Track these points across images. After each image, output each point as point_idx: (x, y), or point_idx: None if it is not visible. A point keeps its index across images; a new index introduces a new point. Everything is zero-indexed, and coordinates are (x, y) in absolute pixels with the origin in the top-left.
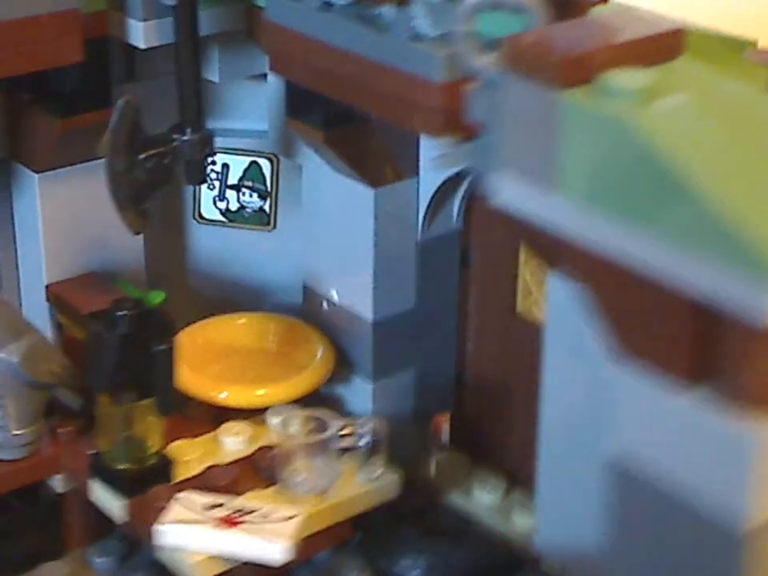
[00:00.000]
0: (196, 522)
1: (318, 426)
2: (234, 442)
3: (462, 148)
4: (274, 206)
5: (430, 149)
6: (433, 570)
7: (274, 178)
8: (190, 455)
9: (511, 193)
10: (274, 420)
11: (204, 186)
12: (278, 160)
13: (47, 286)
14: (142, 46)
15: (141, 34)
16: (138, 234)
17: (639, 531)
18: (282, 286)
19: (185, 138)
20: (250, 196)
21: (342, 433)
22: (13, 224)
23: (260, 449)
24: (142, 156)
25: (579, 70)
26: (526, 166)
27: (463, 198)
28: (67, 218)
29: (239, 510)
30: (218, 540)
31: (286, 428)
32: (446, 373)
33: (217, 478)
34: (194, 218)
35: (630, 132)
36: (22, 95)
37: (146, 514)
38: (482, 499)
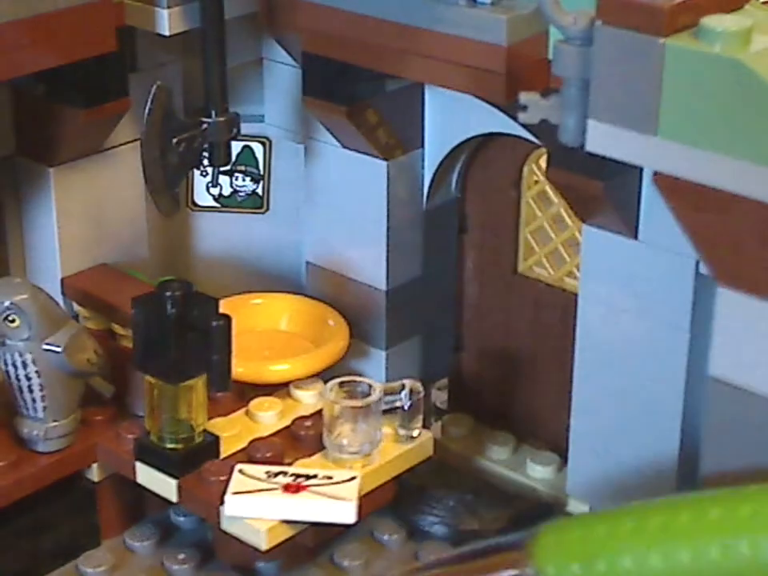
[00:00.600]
0: (262, 490)
1: (360, 391)
2: (268, 416)
3: (545, 101)
4: (267, 188)
5: (434, 122)
6: (460, 524)
7: (267, 161)
8: (229, 432)
9: (606, 139)
10: (300, 392)
11: (197, 173)
12: (270, 143)
13: (62, 279)
14: (167, 33)
15: (166, 21)
16: (169, 216)
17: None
18: (277, 266)
19: (212, 120)
20: (243, 180)
21: (384, 397)
22: (19, 221)
23: (296, 419)
24: (174, 140)
25: (681, 17)
26: (623, 113)
27: (461, 168)
28: (80, 210)
29: (300, 476)
30: (288, 506)
31: (332, 395)
32: (448, 338)
33: (262, 450)
34: (187, 206)
35: (736, 69)
36: (34, 89)
37: (203, 491)
38: (495, 455)
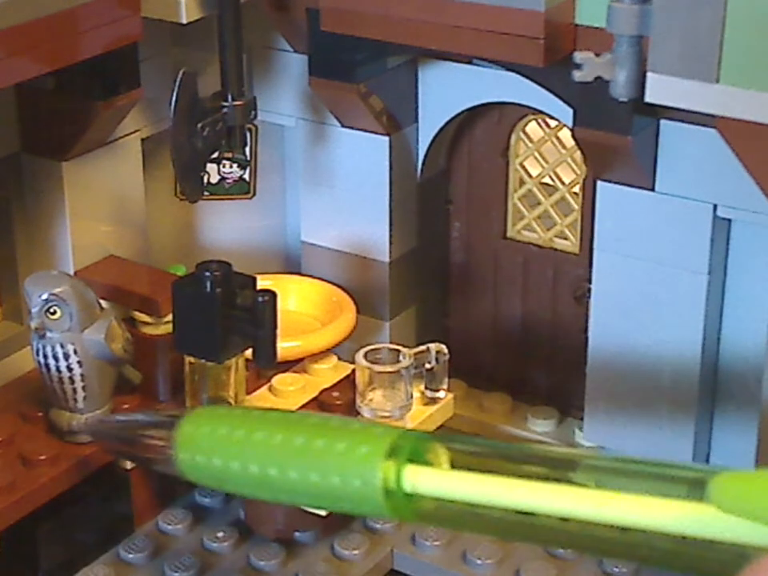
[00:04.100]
0: None
1: (389, 358)
2: (293, 390)
3: (599, 59)
4: (254, 174)
5: (427, 97)
6: None
7: (253, 147)
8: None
9: (667, 90)
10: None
11: None
12: (257, 129)
13: (75, 273)
14: (184, 21)
15: (183, 9)
16: (194, 202)
17: None
18: (267, 249)
19: (229, 105)
20: (230, 167)
21: (413, 361)
22: (26, 217)
23: (323, 391)
24: (199, 125)
25: None
26: (683, 64)
27: (449, 140)
28: (89, 203)
29: None
30: None
31: (364, 362)
32: (440, 306)
33: None
34: (175, 196)
35: None
36: (43, 85)
37: None
38: (494, 414)
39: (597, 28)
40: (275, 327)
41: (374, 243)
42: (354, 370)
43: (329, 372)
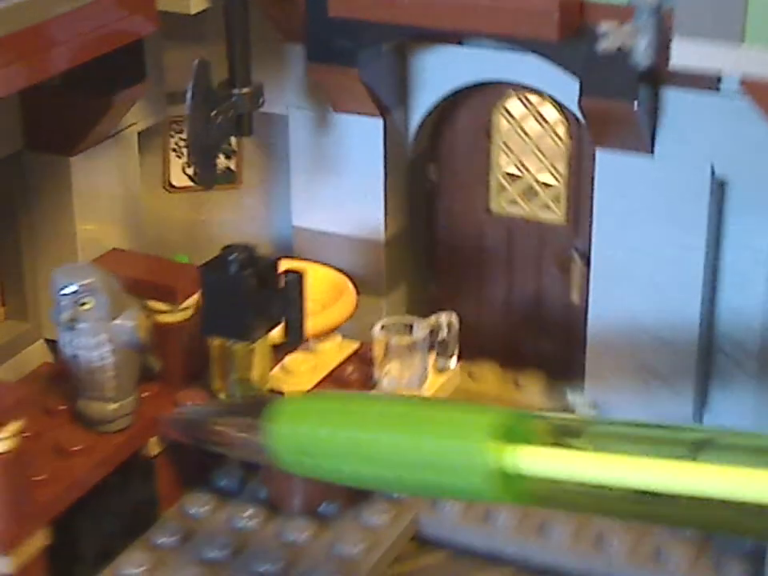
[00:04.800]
0: None
1: (404, 329)
2: (306, 369)
3: (623, 29)
4: (241, 163)
5: (416, 78)
6: None
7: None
8: (276, 387)
9: (692, 53)
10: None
11: (173, 155)
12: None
13: None
14: (192, 11)
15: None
16: (209, 189)
17: None
18: (254, 236)
19: (240, 92)
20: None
21: (426, 332)
22: (30, 215)
23: (336, 367)
24: (213, 113)
25: None
26: (709, 26)
27: (433, 120)
28: (94, 197)
29: None
30: None
31: (381, 334)
32: (428, 281)
33: None
34: (164, 188)
35: None
36: (49, 81)
37: None
38: (485, 381)
39: (603, 3)
40: (303, 306)
41: (368, 224)
42: (359, 346)
43: (335, 350)
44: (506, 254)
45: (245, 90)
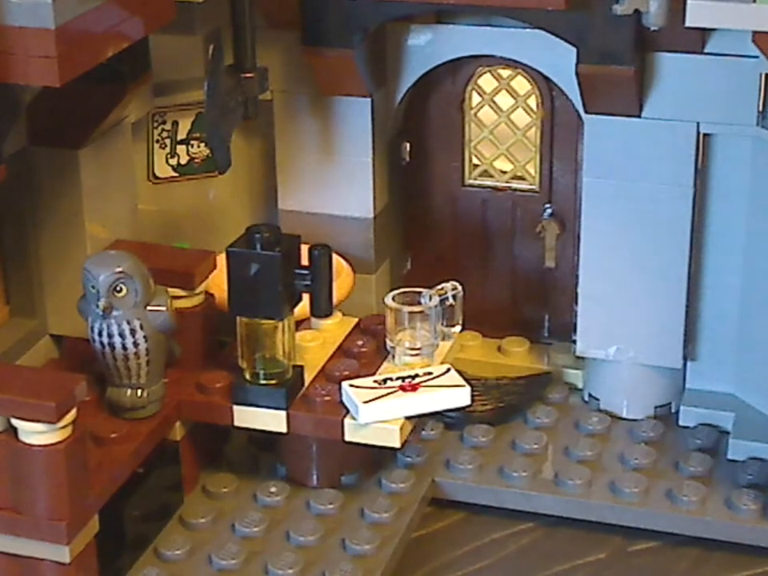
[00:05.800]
0: (387, 395)
1: (413, 300)
2: (316, 345)
3: None
4: None
5: (396, 58)
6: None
7: None
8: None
9: (706, 13)
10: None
11: (157, 146)
12: None
13: None
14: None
15: None
16: (224, 173)
17: None
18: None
19: (247, 76)
20: (198, 147)
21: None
22: (35, 210)
23: (344, 341)
24: (227, 97)
25: None
26: None
27: (409, 98)
28: (100, 188)
29: (405, 378)
30: (415, 402)
31: (393, 304)
32: (407, 255)
33: (338, 369)
34: (148, 179)
35: None
36: None
37: (320, 412)
38: (470, 349)
39: None
40: (330, 278)
41: (356, 202)
42: (359, 321)
43: (337, 327)
44: (482, 225)
45: (251, 74)
